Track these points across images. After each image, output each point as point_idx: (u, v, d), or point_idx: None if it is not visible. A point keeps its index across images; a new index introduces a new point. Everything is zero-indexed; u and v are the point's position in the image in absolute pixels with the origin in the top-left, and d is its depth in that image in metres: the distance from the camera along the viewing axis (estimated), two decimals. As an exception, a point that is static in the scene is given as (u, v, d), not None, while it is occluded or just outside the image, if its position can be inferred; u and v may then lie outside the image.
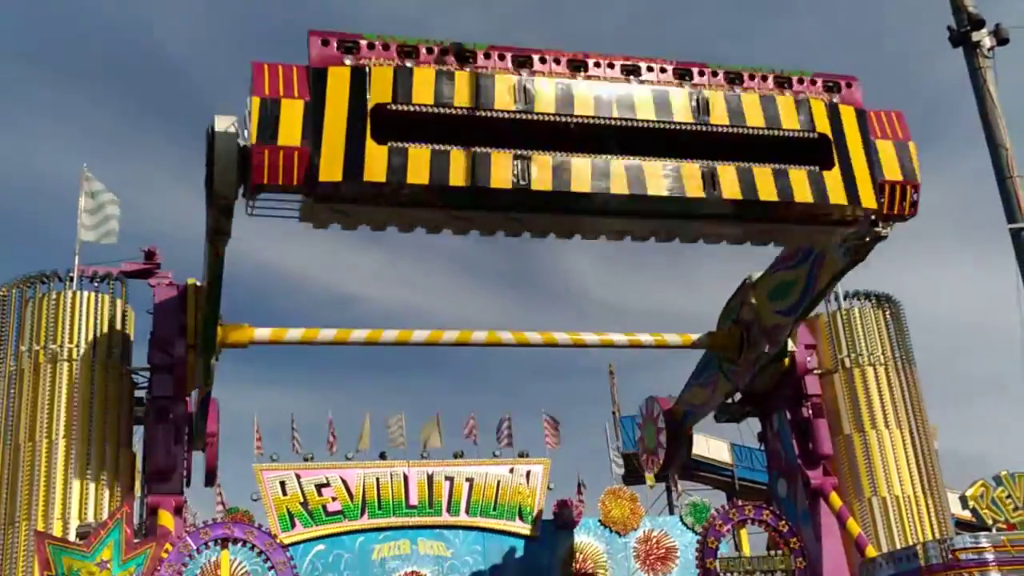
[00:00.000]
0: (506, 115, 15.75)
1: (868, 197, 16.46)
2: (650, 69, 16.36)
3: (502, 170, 15.83)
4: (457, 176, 15.62)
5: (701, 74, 16.49)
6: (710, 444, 37.54)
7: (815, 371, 23.12)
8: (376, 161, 15.39)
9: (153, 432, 19.38)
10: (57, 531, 17.94)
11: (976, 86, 14.59)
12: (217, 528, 15.15)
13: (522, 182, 15.83)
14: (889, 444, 22.84)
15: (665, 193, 15.70)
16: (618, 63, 16.21)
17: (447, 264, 75.63)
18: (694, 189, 15.93)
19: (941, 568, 17.35)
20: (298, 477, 24.90)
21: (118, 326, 20.63)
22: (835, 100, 16.74)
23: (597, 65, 16.14)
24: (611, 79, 16.12)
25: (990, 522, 18.63)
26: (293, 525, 24.42)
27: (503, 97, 15.76)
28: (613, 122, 16.00)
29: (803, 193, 16.13)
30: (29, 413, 19.27)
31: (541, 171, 15.91)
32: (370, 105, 15.45)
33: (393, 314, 75.07)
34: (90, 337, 20.06)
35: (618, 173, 16.01)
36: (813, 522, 21.59)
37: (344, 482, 25.15)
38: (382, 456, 25.60)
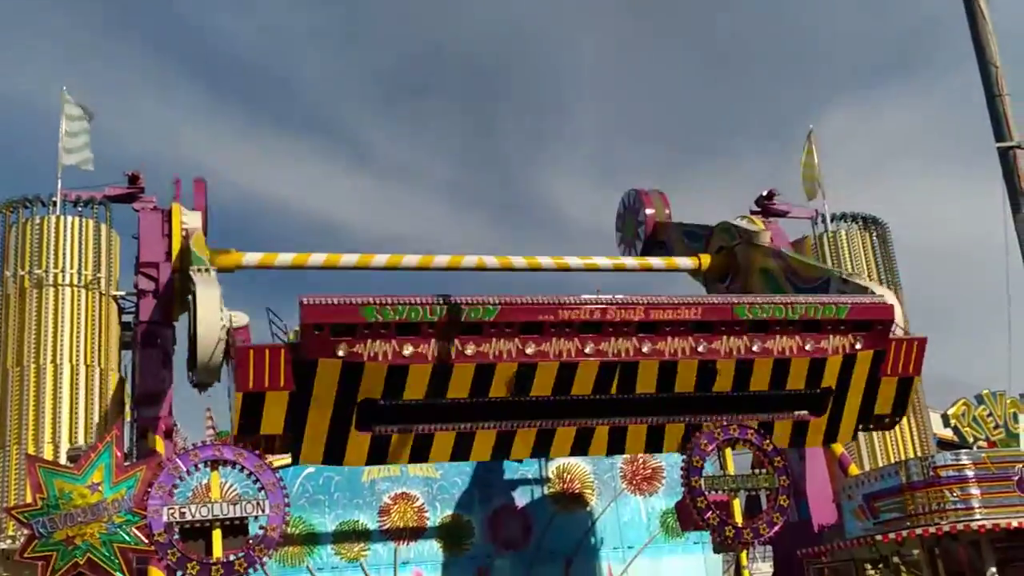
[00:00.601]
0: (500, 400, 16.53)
1: (845, 437, 17.36)
2: (668, 327, 16.66)
3: (484, 447, 16.93)
4: (438, 454, 16.76)
5: (723, 327, 16.79)
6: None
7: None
8: (358, 448, 16.26)
9: (141, 356, 19.38)
10: (48, 455, 18.07)
11: (968, 3, 14.36)
12: (207, 450, 15.22)
13: (500, 454, 17.31)
14: (873, 365, 23.00)
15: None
16: (636, 319, 16.45)
17: (435, 193, 75.34)
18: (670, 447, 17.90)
19: (922, 485, 17.62)
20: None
21: (103, 251, 20.53)
22: (857, 347, 17.38)
23: (611, 329, 16.44)
24: (620, 352, 16.57)
25: (971, 440, 18.89)
26: (283, 448, 24.58)
27: (500, 387, 16.25)
28: (611, 396, 16.98)
29: (781, 439, 17.63)
30: (16, 338, 19.28)
31: (522, 444, 17.01)
32: (359, 399, 15.74)
33: (381, 241, 75.02)
34: (75, 262, 19.98)
35: (600, 436, 17.29)
36: (797, 442, 21.86)
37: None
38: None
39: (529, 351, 16.20)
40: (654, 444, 18.13)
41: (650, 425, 17.76)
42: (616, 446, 18.03)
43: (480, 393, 16.47)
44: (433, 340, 15.79)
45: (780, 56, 75.42)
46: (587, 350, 16.52)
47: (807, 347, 17.11)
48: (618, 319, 16.55)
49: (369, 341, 15.51)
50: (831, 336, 17.01)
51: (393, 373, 15.67)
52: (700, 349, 16.93)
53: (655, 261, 23.30)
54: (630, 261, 23.19)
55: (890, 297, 18.44)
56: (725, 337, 16.96)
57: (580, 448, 17.78)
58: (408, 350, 15.61)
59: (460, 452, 17.02)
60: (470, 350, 15.93)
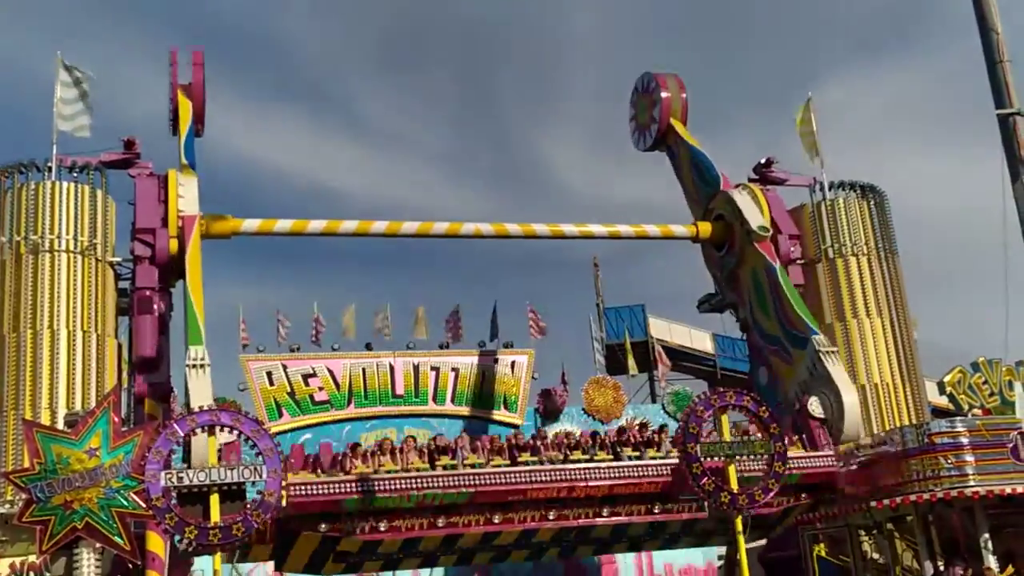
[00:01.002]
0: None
1: None
2: (630, 499, 18.47)
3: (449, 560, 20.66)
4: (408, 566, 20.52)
5: (682, 496, 18.34)
6: (693, 335, 37.89)
7: (798, 261, 23.19)
8: (334, 567, 18.91)
9: (138, 322, 19.38)
10: (45, 420, 18.11)
11: (969, -32, 14.27)
12: (204, 415, 15.21)
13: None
14: (870, 333, 23.15)
15: None
16: (600, 495, 18.28)
17: (432, 161, 75.10)
18: None
19: (917, 452, 17.73)
20: (285, 368, 25.04)
21: (99, 217, 20.45)
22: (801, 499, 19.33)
23: (575, 502, 18.29)
24: (580, 516, 18.45)
25: (966, 407, 18.97)
26: (280, 415, 24.66)
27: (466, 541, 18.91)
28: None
29: None
30: (12, 304, 19.26)
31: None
32: (337, 549, 18.17)
33: (379, 209, 74.82)
34: (71, 228, 19.92)
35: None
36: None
37: (331, 372, 25.32)
38: (368, 347, 25.72)
39: (496, 520, 18.12)
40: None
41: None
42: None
43: (448, 545, 18.93)
44: (408, 518, 17.72)
45: (778, 25, 74.88)
46: (550, 517, 18.39)
47: None
48: (583, 495, 18.35)
49: (348, 522, 17.46)
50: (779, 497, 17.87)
51: (369, 543, 17.77)
52: (656, 511, 18.79)
53: (650, 228, 23.26)
54: (625, 228, 23.17)
55: (851, 397, 19.17)
56: (683, 505, 18.65)
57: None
58: (384, 526, 17.54)
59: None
60: (441, 522, 17.83)
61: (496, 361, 26.44)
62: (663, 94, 24.98)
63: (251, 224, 20.93)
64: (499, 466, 18.32)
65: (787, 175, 24.62)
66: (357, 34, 74.38)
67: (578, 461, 18.71)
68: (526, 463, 18.55)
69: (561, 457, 18.76)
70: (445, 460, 18.40)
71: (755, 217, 22.29)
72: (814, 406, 19.40)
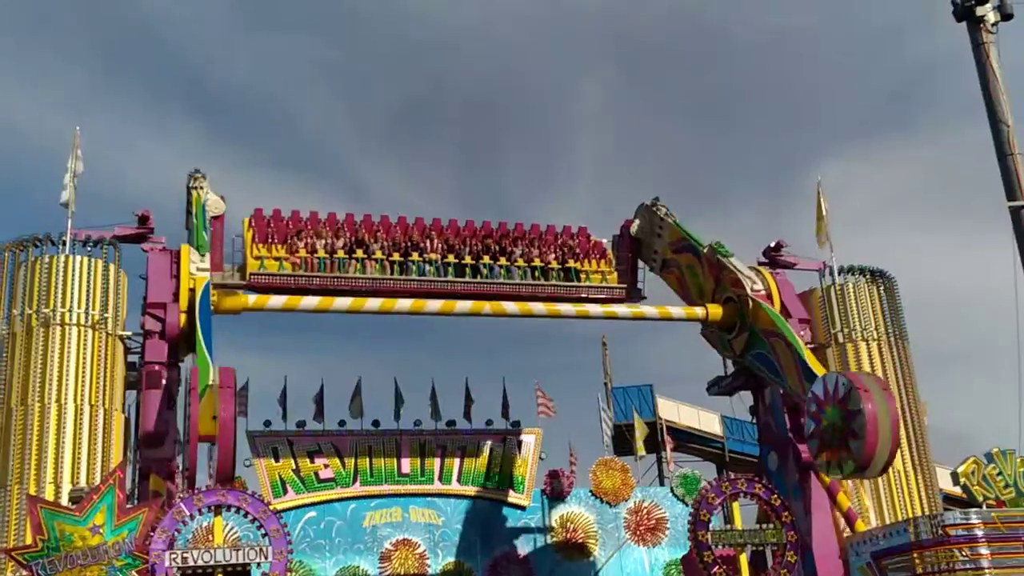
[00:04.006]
0: None
1: None
2: None
3: None
4: None
5: None
6: (701, 416, 37.62)
7: (808, 345, 23.04)
8: None
9: (145, 397, 19.31)
10: (49, 495, 17.96)
11: (979, 61, 14.47)
12: (211, 495, 15.13)
13: None
14: (881, 419, 22.87)
15: None
16: None
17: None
18: None
19: (931, 544, 17.44)
20: (291, 444, 24.89)
21: (111, 291, 20.54)
22: None
23: None
24: None
25: (981, 499, 18.71)
26: (285, 491, 24.45)
27: None
28: None
29: None
30: (21, 377, 19.23)
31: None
32: None
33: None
34: (83, 301, 19.99)
35: None
36: (804, 496, 21.64)
37: (336, 449, 25.16)
38: (375, 424, 25.58)
39: None
40: None
41: None
42: None
43: None
44: None
45: (777, 106, 75.68)
46: None
47: None
48: None
49: None
50: None
51: None
52: None
53: (648, 309, 23.23)
54: (622, 309, 23.17)
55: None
56: None
57: None
58: None
59: None
60: None
61: (504, 441, 26.28)
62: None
63: (251, 300, 21.02)
64: None
65: (796, 259, 24.67)
66: (360, 107, 75.23)
67: None
68: None
69: None
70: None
71: (760, 302, 22.20)
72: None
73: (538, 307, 22.59)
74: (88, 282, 20.19)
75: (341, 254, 23.14)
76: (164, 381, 19.40)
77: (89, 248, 20.78)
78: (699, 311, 23.22)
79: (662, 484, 30.32)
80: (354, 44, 72.76)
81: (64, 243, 20.55)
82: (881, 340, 23.87)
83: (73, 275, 20.12)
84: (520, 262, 24.19)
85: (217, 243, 22.03)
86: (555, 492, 26.17)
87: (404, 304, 21.92)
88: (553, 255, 24.52)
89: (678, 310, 23.22)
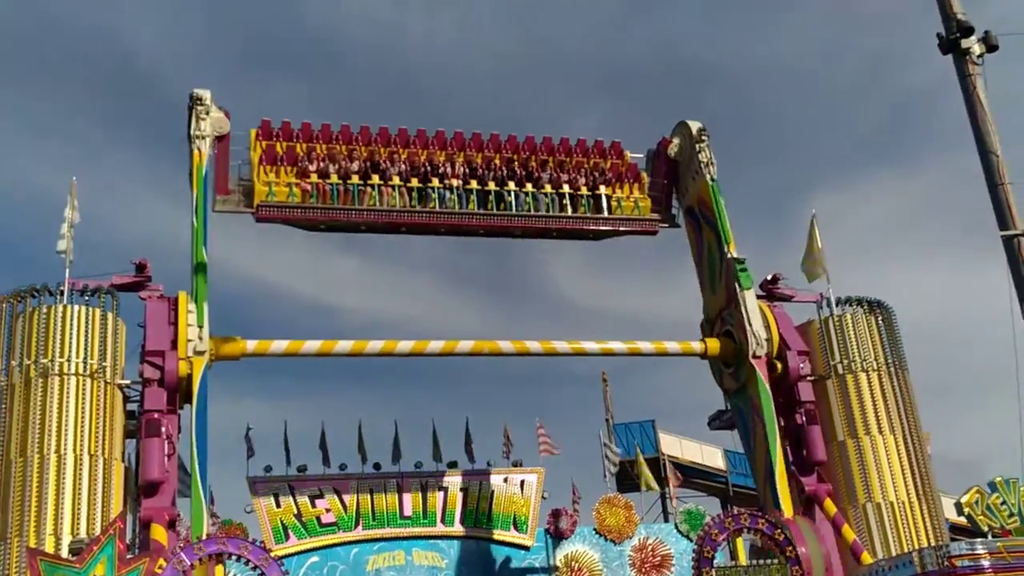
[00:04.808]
0: None
1: None
2: None
3: None
4: None
5: None
6: (704, 451, 37.53)
7: (808, 377, 23.08)
8: None
9: (145, 445, 19.25)
10: (49, 547, 17.82)
11: (966, 93, 14.53)
12: (211, 543, 15.04)
13: None
14: (883, 450, 22.85)
15: None
16: None
17: (428, 273, 75.39)
18: None
19: (937, 575, 17.31)
20: (292, 489, 24.81)
21: (109, 339, 20.49)
22: None
23: None
24: None
25: (986, 529, 18.59)
26: (287, 537, 24.34)
27: None
28: None
29: None
30: (20, 428, 19.13)
31: None
32: None
33: (378, 323, 74.64)
34: (81, 351, 19.93)
35: None
36: (808, 529, 21.56)
37: (338, 493, 25.08)
38: (376, 467, 25.50)
39: None
40: None
41: None
42: None
43: None
44: None
45: (769, 138, 76.11)
46: None
47: None
48: None
49: None
50: None
51: None
52: None
53: (644, 345, 23.22)
54: (618, 345, 23.13)
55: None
56: None
57: None
58: None
59: None
60: None
61: (506, 480, 26.18)
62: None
63: (251, 345, 21.00)
64: None
65: (794, 292, 24.70)
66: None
67: None
68: None
69: None
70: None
71: (753, 338, 22.33)
72: None
73: (535, 346, 22.51)
74: (86, 331, 20.14)
75: (356, 180, 21.85)
76: (163, 429, 19.35)
77: (87, 297, 20.77)
78: (696, 346, 23.27)
79: (666, 520, 30.18)
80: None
81: (62, 293, 20.55)
82: (881, 370, 23.80)
83: (71, 324, 20.08)
84: (548, 188, 23.05)
85: (222, 166, 21.50)
86: (559, 531, 26.03)
87: (405, 346, 21.84)
88: (583, 179, 23.47)
89: (674, 345, 23.24)
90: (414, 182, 22.16)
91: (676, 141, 24.43)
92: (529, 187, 22.93)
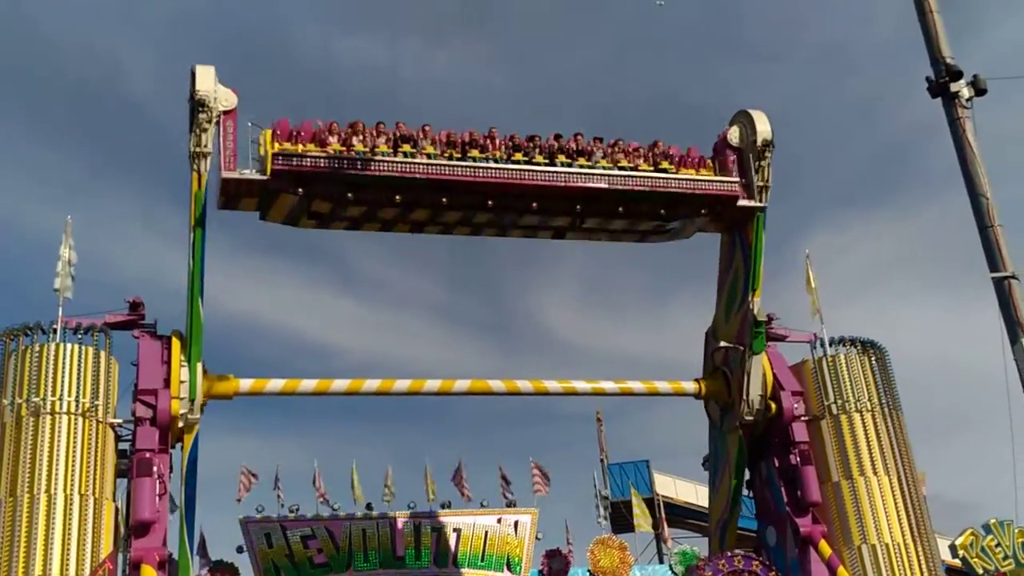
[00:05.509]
0: None
1: None
2: None
3: None
4: None
5: None
6: (698, 491, 37.34)
7: (802, 418, 23.09)
8: None
9: (136, 485, 19.15)
10: (39, 588, 17.67)
11: (956, 137, 14.62)
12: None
13: None
14: (878, 491, 22.77)
15: None
16: None
17: (424, 313, 75.45)
18: None
19: (932, 618, 17.23)
20: (284, 529, 24.63)
21: (102, 378, 20.44)
22: None
23: None
24: None
25: (980, 571, 18.54)
26: (278, 578, 24.12)
27: None
28: None
29: None
30: (11, 468, 19.03)
31: None
32: None
33: (374, 363, 74.48)
34: (74, 390, 19.86)
35: None
36: (803, 570, 21.45)
37: (330, 533, 24.88)
38: (369, 507, 25.35)
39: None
40: None
41: None
42: None
43: None
44: None
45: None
46: None
47: None
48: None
49: None
50: None
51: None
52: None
53: (635, 385, 23.22)
54: (609, 385, 23.15)
55: None
56: None
57: None
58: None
59: None
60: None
61: (499, 521, 26.02)
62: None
63: (246, 384, 20.96)
64: None
65: (787, 331, 24.74)
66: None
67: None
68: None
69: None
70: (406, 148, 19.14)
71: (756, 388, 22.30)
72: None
73: (525, 385, 22.51)
74: (79, 370, 20.09)
75: (384, 148, 19.12)
76: (155, 469, 19.26)
77: (80, 336, 20.74)
78: (688, 386, 23.35)
79: (661, 561, 29.97)
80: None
81: (55, 331, 20.52)
82: (875, 411, 23.78)
83: (64, 363, 20.03)
84: (603, 163, 20.40)
85: (228, 140, 19.05)
86: (553, 572, 25.84)
87: (402, 385, 21.84)
88: (643, 159, 20.91)
89: (665, 385, 23.28)
90: (451, 152, 19.68)
91: (736, 129, 21.55)
92: (583, 160, 20.28)
